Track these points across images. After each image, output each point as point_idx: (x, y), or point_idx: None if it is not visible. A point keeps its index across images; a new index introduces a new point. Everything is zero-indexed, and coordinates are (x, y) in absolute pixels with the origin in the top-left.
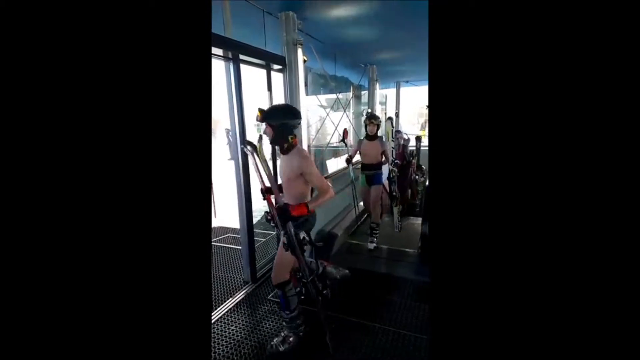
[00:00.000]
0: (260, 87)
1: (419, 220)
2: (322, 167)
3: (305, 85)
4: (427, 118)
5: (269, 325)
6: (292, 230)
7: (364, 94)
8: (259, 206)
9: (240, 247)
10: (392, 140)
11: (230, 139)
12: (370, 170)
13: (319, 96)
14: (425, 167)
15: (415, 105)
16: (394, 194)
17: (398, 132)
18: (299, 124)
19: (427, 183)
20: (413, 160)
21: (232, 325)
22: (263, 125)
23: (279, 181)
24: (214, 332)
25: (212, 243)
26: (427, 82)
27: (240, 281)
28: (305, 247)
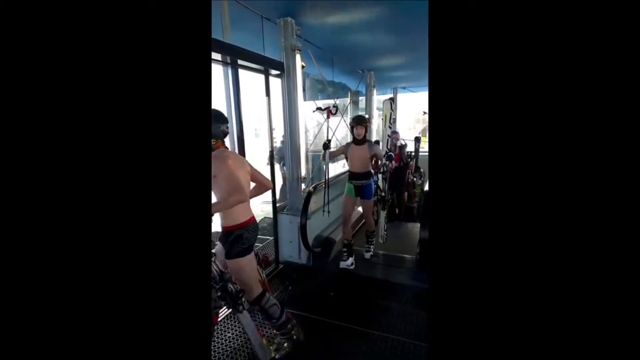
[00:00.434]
0: (258, 92)
1: (417, 227)
2: (320, 171)
3: (303, 90)
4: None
5: (267, 331)
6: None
7: (362, 99)
8: (257, 211)
9: None
10: (389, 129)
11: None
12: (360, 180)
13: (316, 101)
14: (423, 169)
15: (412, 111)
16: (383, 194)
17: (395, 132)
18: (227, 128)
19: (426, 187)
20: (411, 162)
21: (228, 332)
22: (261, 131)
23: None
24: (212, 339)
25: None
26: (424, 88)
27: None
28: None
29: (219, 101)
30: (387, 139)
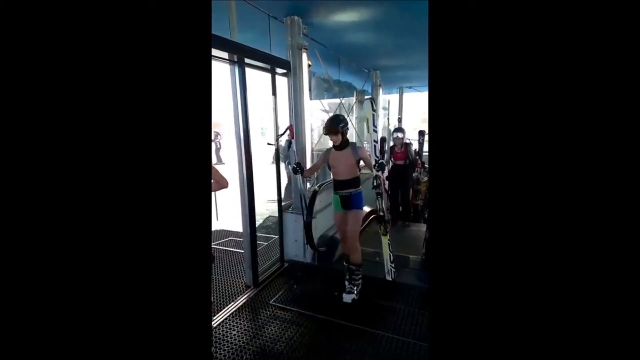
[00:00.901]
0: (264, 91)
1: (423, 227)
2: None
3: (309, 89)
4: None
5: (272, 330)
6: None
7: (367, 98)
8: (262, 210)
9: (242, 251)
10: (374, 132)
11: (218, 145)
12: (345, 189)
13: (322, 100)
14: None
15: (418, 111)
16: (382, 214)
17: (398, 130)
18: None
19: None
20: (418, 160)
21: (233, 330)
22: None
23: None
24: (216, 337)
25: (214, 246)
26: None
27: (242, 285)
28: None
29: (226, 100)
30: (388, 140)
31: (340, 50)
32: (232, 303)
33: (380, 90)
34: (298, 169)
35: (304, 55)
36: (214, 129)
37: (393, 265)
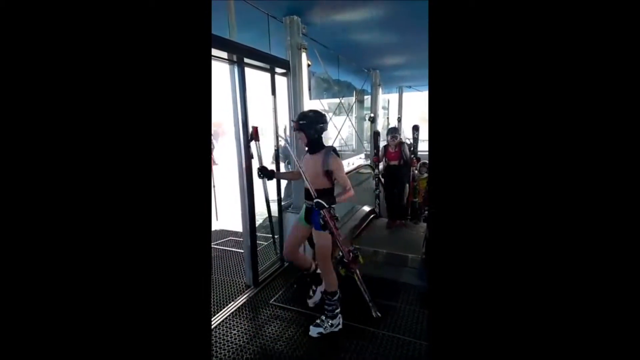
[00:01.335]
0: (264, 91)
1: (423, 226)
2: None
3: (309, 89)
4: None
5: (272, 330)
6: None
7: (367, 98)
8: (262, 209)
9: (242, 251)
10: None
11: (215, 145)
12: (310, 200)
13: (322, 100)
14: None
15: (417, 110)
16: (341, 255)
17: (392, 130)
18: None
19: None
20: (414, 159)
21: (234, 330)
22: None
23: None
24: (216, 337)
25: (214, 246)
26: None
27: (242, 285)
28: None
29: (226, 100)
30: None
31: (340, 49)
32: (232, 303)
33: (380, 90)
34: (261, 174)
35: (304, 55)
36: (212, 129)
37: (371, 303)
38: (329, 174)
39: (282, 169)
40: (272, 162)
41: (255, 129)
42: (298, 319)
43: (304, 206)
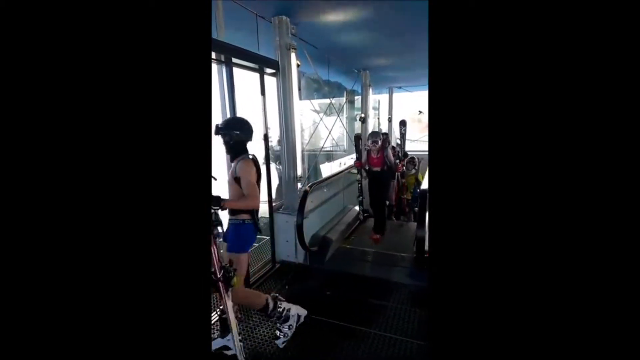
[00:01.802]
0: (253, 91)
1: (414, 225)
2: (316, 170)
3: (299, 89)
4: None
5: (263, 331)
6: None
7: (357, 99)
8: None
9: None
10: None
11: None
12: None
13: (312, 101)
14: (417, 158)
15: (408, 111)
16: (226, 270)
17: (374, 133)
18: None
19: (424, 183)
20: (400, 163)
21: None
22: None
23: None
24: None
25: None
26: (419, 88)
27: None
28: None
29: (214, 100)
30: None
31: (330, 50)
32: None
33: (370, 90)
34: (216, 206)
35: (293, 55)
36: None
37: (242, 343)
38: (239, 182)
39: (273, 170)
40: (263, 163)
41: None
42: None
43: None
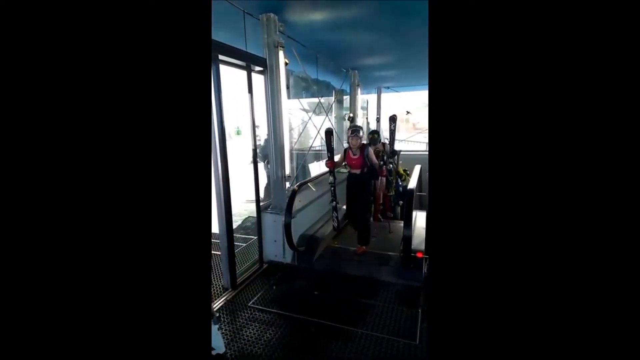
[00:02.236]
0: (240, 89)
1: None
2: (304, 170)
3: (287, 88)
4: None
5: (250, 332)
6: None
7: (346, 98)
8: (239, 209)
9: (219, 253)
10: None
11: None
12: None
13: (301, 100)
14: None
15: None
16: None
17: (355, 126)
18: None
19: (412, 181)
20: (384, 168)
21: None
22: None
23: None
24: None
25: None
26: (407, 88)
27: (219, 288)
28: None
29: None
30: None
31: (319, 49)
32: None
33: (359, 90)
34: None
35: (281, 53)
36: None
37: None
38: None
39: (261, 169)
40: (251, 162)
41: None
42: (277, 321)
43: None
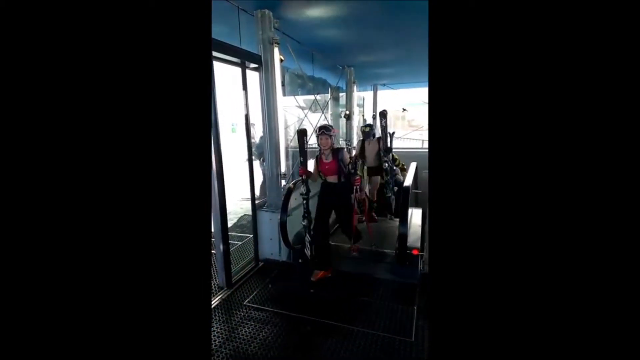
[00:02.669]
0: (235, 86)
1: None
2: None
3: (283, 85)
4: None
5: (246, 331)
6: None
7: (342, 95)
8: (235, 207)
9: (214, 251)
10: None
11: None
12: None
13: (296, 97)
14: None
15: (391, 108)
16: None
17: (324, 126)
18: None
19: (408, 179)
20: (358, 176)
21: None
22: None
23: None
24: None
25: None
26: (403, 85)
27: (214, 287)
28: None
29: None
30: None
31: (314, 46)
32: None
33: (355, 87)
34: None
35: (276, 50)
36: None
37: None
38: None
39: (257, 167)
40: (246, 160)
41: None
42: (273, 320)
43: None
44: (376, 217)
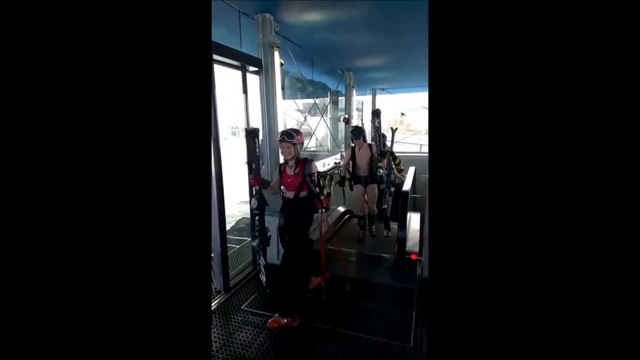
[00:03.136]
0: (235, 89)
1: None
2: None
3: (282, 88)
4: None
5: (243, 336)
6: None
7: (341, 99)
8: (233, 211)
9: (212, 255)
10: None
11: None
12: None
13: (296, 100)
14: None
15: (390, 113)
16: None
17: (286, 132)
18: None
19: (406, 183)
20: (327, 195)
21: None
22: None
23: None
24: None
25: None
26: (402, 90)
27: (212, 290)
28: None
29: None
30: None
31: (314, 50)
32: None
33: (354, 91)
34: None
35: (276, 54)
36: None
37: None
38: None
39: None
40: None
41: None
42: None
43: None
44: (374, 230)
